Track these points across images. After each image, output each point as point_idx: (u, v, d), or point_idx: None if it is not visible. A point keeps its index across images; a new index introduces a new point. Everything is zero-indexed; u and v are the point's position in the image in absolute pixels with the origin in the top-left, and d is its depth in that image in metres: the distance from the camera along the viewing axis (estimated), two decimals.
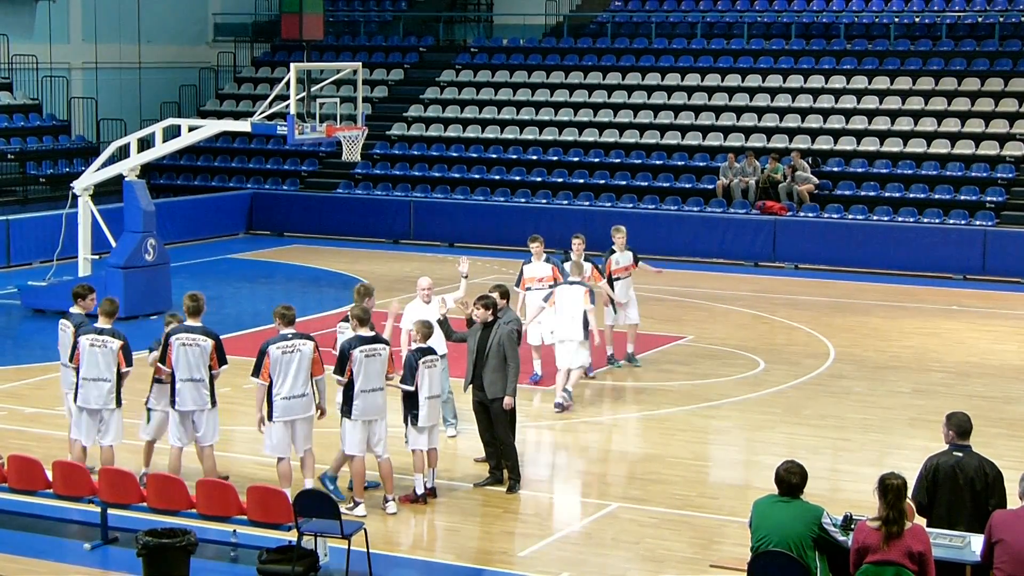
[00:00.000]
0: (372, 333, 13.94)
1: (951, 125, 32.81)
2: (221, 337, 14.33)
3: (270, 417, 13.71)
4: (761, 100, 34.98)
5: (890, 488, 9.65)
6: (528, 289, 19.14)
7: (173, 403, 14.06)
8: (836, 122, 33.77)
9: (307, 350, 13.74)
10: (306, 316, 24.04)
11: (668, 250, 29.96)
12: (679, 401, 19.13)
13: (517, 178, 34.63)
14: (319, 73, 29.26)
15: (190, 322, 14.16)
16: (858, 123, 33.54)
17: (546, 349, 19.25)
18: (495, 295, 15.23)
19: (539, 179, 34.39)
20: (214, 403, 14.17)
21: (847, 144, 33.07)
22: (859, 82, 34.62)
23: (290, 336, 13.74)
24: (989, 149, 32.01)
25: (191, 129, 24.63)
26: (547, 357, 19.36)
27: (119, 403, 14.31)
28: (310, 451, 14.07)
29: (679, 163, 33.87)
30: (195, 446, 14.20)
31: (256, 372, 13.72)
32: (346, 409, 13.80)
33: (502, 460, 14.99)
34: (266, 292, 27.49)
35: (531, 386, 19.02)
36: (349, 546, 12.04)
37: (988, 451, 11.20)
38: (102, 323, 14.28)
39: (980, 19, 36.54)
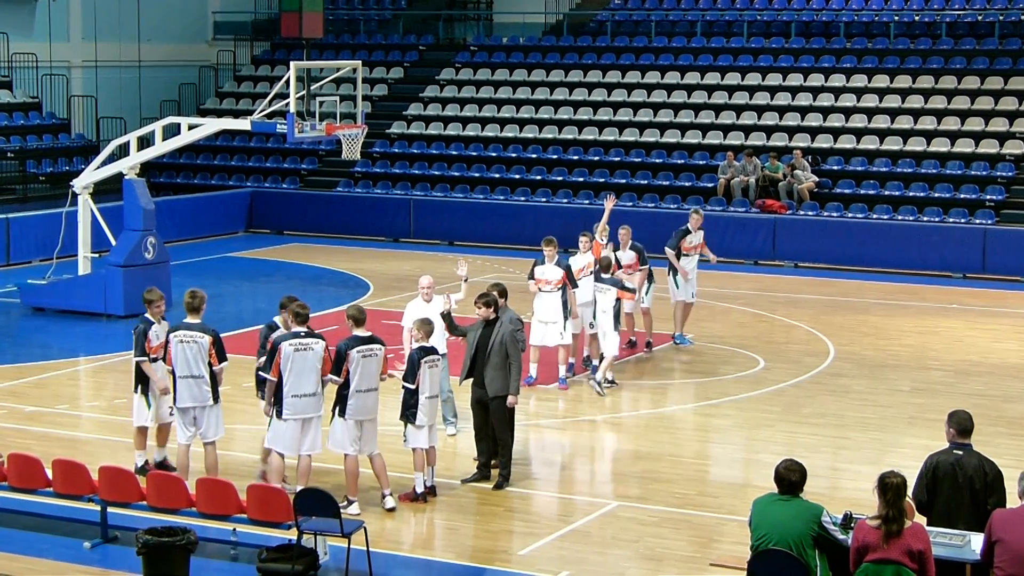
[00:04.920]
0: (368, 333, 13.95)
1: (951, 124, 32.81)
2: (221, 335, 14.36)
3: (279, 415, 13.71)
4: (761, 98, 34.98)
5: (890, 487, 9.64)
6: (540, 291, 19.12)
7: (174, 400, 14.13)
8: (836, 120, 33.77)
9: (319, 349, 13.77)
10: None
11: None
12: (679, 399, 19.15)
13: (517, 176, 34.63)
14: (319, 71, 29.29)
15: (189, 319, 14.18)
16: (858, 121, 33.54)
17: (546, 351, 19.22)
18: (494, 293, 15.24)
19: (539, 177, 34.38)
20: (216, 399, 14.19)
21: (847, 142, 33.07)
22: (859, 80, 34.62)
23: (303, 334, 13.76)
24: (989, 147, 32.01)
25: (191, 127, 24.62)
26: (544, 358, 19.35)
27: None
28: (310, 457, 14.08)
29: (679, 161, 33.87)
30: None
31: (267, 368, 13.74)
32: (340, 408, 13.82)
33: (495, 458, 15.04)
34: (266, 290, 27.47)
35: (527, 387, 18.91)
36: (349, 545, 12.04)
37: (987, 450, 11.19)
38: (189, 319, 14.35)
39: (980, 17, 36.53)
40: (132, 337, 14.84)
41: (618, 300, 19.16)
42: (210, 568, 12.55)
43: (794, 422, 17.83)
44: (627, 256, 20.54)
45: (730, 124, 34.47)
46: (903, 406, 18.69)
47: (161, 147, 24.72)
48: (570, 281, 19.05)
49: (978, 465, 10.68)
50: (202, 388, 14.06)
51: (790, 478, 10.12)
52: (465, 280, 16.78)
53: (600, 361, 19.77)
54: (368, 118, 29.32)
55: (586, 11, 41.75)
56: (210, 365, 14.04)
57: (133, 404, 15.01)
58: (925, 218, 30.56)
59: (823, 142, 33.29)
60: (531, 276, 19.25)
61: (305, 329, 13.83)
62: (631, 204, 32.45)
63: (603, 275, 19.28)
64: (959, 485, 10.64)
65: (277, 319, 14.54)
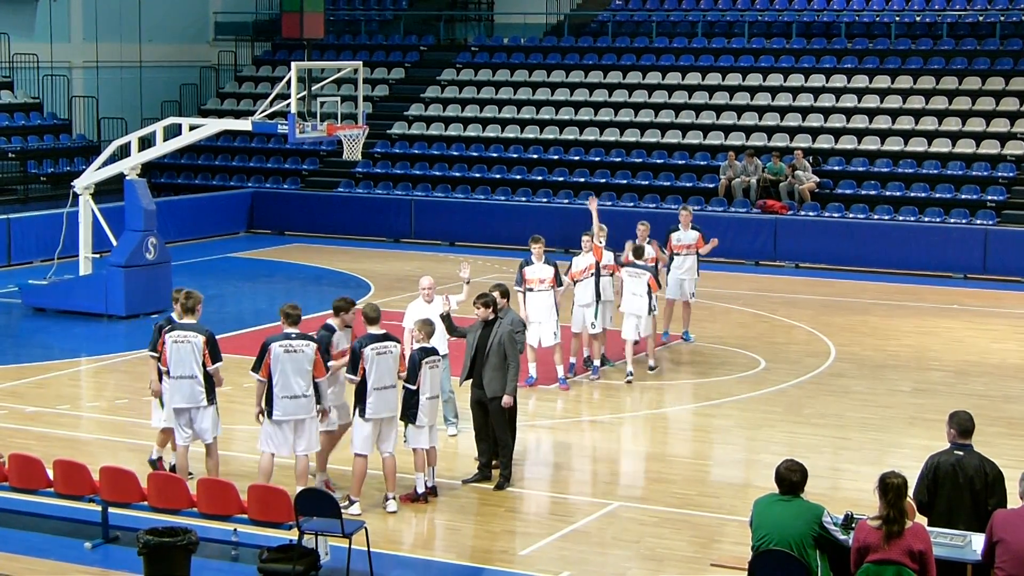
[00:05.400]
0: (382, 331, 13.97)
1: (952, 124, 32.81)
2: (219, 336, 14.34)
3: (269, 415, 13.71)
4: (762, 99, 34.98)
5: (890, 487, 9.65)
6: (530, 290, 19.05)
7: (170, 400, 14.12)
8: (837, 121, 33.77)
9: (309, 351, 13.74)
10: (308, 315, 24.05)
11: None
12: (680, 400, 19.15)
13: (518, 177, 34.63)
14: (320, 72, 29.28)
15: (185, 319, 14.18)
16: (859, 122, 33.54)
17: (542, 351, 19.21)
18: (495, 294, 15.24)
19: (540, 178, 34.38)
20: (211, 401, 14.12)
21: (848, 143, 33.07)
22: (860, 81, 34.62)
23: (293, 336, 13.75)
24: (990, 148, 32.01)
25: (192, 128, 24.62)
26: (543, 358, 19.34)
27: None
28: (320, 454, 14.11)
29: (680, 162, 33.87)
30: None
31: (256, 368, 13.74)
32: (360, 408, 13.82)
33: (496, 458, 15.05)
34: (267, 291, 27.49)
35: (527, 388, 18.87)
36: (350, 545, 12.05)
37: (988, 450, 11.19)
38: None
39: (981, 18, 36.53)
40: (134, 337, 14.85)
41: (649, 287, 19.40)
42: (211, 568, 12.55)
43: (795, 422, 17.83)
44: (647, 251, 20.58)
45: (731, 125, 34.47)
46: (903, 406, 18.69)
47: (162, 148, 24.72)
48: (556, 280, 19.02)
49: (979, 466, 10.68)
50: (194, 388, 13.99)
51: (791, 478, 10.12)
52: (467, 282, 16.77)
53: (602, 360, 19.87)
54: (369, 119, 29.31)
55: (587, 12, 41.74)
56: (204, 365, 14.03)
57: (153, 405, 15.08)
58: (926, 219, 30.56)
59: (824, 143, 33.28)
60: (519, 280, 19.13)
61: (296, 330, 13.81)
62: (632, 204, 32.46)
63: (637, 261, 19.73)
64: (960, 486, 10.64)
65: (332, 321, 14.53)
